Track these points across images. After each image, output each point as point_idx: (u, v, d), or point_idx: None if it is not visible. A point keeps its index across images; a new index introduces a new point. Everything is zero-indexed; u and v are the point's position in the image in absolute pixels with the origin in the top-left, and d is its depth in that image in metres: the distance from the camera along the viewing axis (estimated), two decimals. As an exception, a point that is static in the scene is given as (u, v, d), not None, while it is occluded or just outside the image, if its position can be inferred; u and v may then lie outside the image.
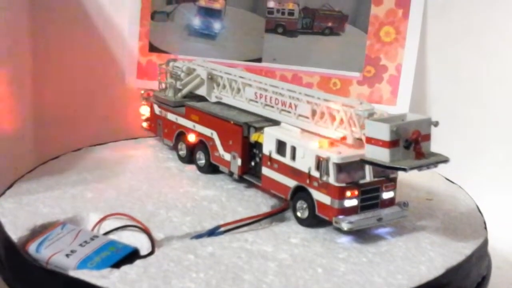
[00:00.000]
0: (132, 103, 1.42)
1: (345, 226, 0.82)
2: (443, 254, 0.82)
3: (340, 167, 0.82)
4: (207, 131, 1.06)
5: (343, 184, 0.83)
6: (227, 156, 1.02)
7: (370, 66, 1.34)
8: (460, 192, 1.05)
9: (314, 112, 0.91)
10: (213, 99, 1.10)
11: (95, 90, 1.44)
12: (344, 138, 0.87)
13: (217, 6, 1.37)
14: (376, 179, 0.85)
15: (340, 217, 0.83)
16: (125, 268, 0.76)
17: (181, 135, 1.12)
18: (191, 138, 1.09)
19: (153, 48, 1.39)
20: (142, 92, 1.24)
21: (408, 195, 0.98)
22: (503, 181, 1.31)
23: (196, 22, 1.38)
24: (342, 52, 1.36)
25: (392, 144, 0.78)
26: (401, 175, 0.83)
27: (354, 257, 0.81)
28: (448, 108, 1.34)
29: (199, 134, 1.07)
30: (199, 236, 0.85)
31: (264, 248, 0.82)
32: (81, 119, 1.45)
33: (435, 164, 0.80)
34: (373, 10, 1.33)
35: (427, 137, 0.81)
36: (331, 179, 0.83)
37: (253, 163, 0.99)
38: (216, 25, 1.38)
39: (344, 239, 0.85)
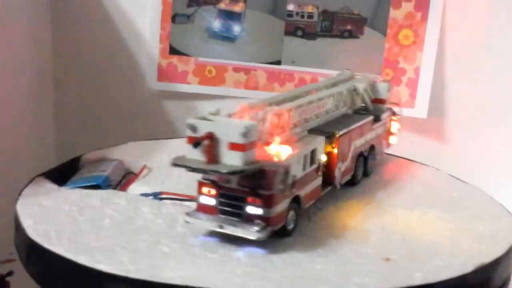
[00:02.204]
0: (152, 105, 1.44)
1: (185, 217, 0.80)
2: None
3: None
4: None
5: (202, 180, 0.79)
6: None
7: (388, 69, 1.35)
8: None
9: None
10: None
11: (116, 92, 1.46)
12: None
13: (237, 9, 1.39)
14: (240, 187, 0.77)
15: (191, 211, 0.80)
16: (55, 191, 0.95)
17: None
18: None
19: (173, 51, 1.41)
20: None
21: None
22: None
23: (216, 24, 1.39)
24: (361, 55, 1.36)
25: (189, 140, 0.74)
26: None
27: (178, 250, 0.78)
28: (467, 110, 1.34)
29: None
30: (146, 195, 0.94)
31: (137, 218, 0.87)
32: (102, 121, 1.47)
33: (212, 172, 0.74)
34: (392, 13, 1.34)
35: (239, 147, 0.73)
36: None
37: None
38: (236, 28, 1.39)
39: (210, 239, 0.80)
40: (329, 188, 0.92)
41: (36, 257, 0.81)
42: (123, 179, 1.03)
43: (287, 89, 1.37)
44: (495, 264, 0.79)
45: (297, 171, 0.80)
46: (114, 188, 0.99)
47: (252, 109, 0.80)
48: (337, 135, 0.91)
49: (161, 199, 0.93)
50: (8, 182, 1.09)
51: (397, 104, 1.15)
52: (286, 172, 0.77)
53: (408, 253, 0.80)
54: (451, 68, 1.34)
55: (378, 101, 1.11)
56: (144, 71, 1.43)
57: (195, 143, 0.73)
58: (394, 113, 1.14)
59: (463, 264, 0.77)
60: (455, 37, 1.33)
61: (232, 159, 0.73)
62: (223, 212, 0.78)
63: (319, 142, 0.87)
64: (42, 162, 1.28)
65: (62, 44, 1.45)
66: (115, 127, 1.47)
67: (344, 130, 0.93)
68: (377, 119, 1.07)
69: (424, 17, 1.32)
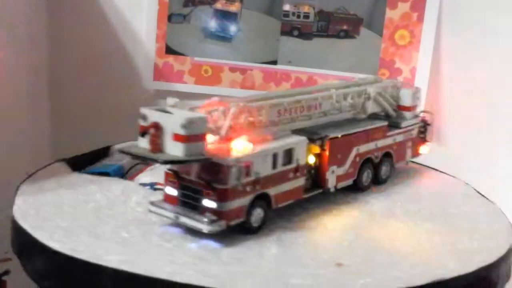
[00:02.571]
0: (148, 104, 1.44)
1: (148, 206, 0.82)
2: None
3: None
4: None
5: (168, 170, 0.81)
6: None
7: (384, 69, 1.35)
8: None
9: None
10: None
11: (112, 92, 1.46)
12: None
13: (233, 9, 1.39)
14: (197, 180, 0.78)
15: (157, 200, 0.82)
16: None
17: None
18: None
19: (169, 50, 1.41)
20: None
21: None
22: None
23: (213, 24, 1.40)
24: (357, 55, 1.37)
25: (139, 128, 0.77)
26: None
27: (137, 237, 0.79)
28: (463, 110, 1.34)
29: None
30: (144, 184, 0.97)
31: (121, 205, 0.89)
32: (97, 120, 1.47)
33: (150, 160, 0.76)
34: (388, 13, 1.34)
35: (180, 138, 0.73)
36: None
37: None
38: (232, 28, 1.39)
39: (173, 229, 0.81)
40: (319, 191, 0.91)
41: (13, 231, 0.84)
42: (131, 169, 1.04)
43: (283, 89, 1.38)
44: (456, 281, 0.74)
45: (262, 169, 0.80)
46: (123, 176, 1.01)
47: (219, 104, 0.80)
48: (328, 138, 0.90)
49: (155, 189, 0.96)
50: (4, 182, 1.08)
51: (430, 113, 1.12)
52: (245, 168, 0.78)
53: (367, 261, 0.77)
54: (447, 68, 1.34)
55: (403, 108, 1.07)
56: (140, 70, 1.43)
57: (143, 132, 0.76)
58: (424, 121, 1.11)
59: (421, 277, 0.72)
60: (451, 38, 1.33)
61: (174, 150, 0.74)
62: (183, 203, 0.80)
63: (298, 143, 0.86)
64: (38, 162, 1.28)
65: (59, 44, 1.45)
66: (111, 126, 1.46)
67: (338, 133, 0.92)
68: (395, 126, 1.04)
69: (420, 18, 1.33)
